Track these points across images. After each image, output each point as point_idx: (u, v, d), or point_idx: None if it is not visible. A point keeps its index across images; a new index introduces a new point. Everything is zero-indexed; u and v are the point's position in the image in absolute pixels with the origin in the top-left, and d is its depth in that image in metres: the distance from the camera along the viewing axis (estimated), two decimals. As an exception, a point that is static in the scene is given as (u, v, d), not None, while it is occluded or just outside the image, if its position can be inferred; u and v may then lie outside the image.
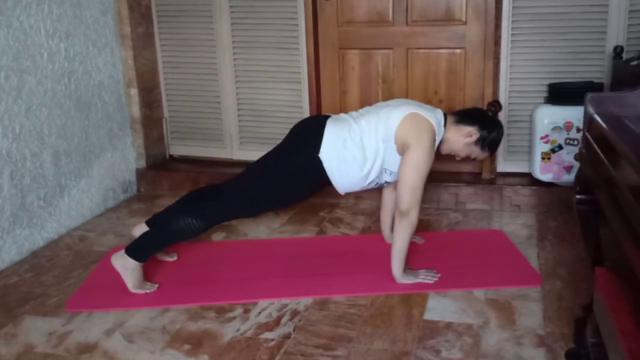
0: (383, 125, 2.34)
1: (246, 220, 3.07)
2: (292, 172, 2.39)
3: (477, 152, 2.48)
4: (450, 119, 2.45)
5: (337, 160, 2.35)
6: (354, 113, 2.49)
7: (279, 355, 1.96)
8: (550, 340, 1.98)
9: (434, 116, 2.36)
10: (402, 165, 2.32)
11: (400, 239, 2.33)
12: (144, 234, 2.49)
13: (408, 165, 2.30)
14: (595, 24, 3.00)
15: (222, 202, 2.42)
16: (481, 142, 2.44)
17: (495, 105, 2.53)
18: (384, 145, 2.34)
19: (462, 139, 2.43)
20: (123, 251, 2.37)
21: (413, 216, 2.30)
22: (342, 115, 2.49)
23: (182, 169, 3.66)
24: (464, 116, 2.46)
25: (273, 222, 3.11)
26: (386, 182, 2.48)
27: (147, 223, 2.61)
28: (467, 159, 2.55)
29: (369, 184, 2.44)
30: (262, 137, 3.53)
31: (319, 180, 2.40)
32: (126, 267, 2.35)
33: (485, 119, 2.46)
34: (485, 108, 2.58)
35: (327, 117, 2.47)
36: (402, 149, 2.33)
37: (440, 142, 2.43)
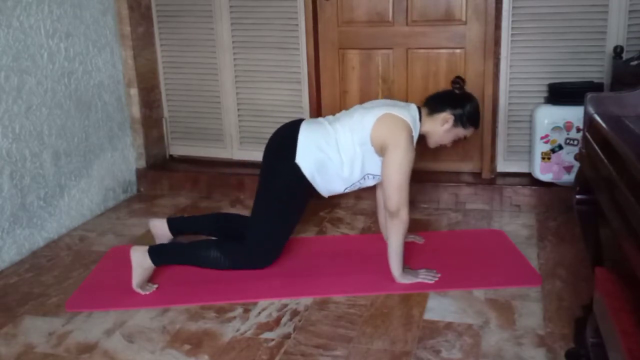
0: (358, 129, 2.36)
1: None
2: (281, 187, 2.41)
3: (461, 132, 2.48)
4: (424, 111, 2.46)
5: (315, 163, 2.37)
6: (329, 117, 2.52)
7: (279, 355, 1.96)
8: (550, 340, 1.98)
9: (408, 113, 2.37)
10: (385, 167, 2.33)
11: (394, 239, 2.33)
12: (175, 245, 2.54)
13: (390, 166, 2.31)
14: (595, 24, 3.00)
15: (250, 251, 2.46)
16: (460, 121, 2.44)
17: (459, 81, 2.50)
18: (362, 149, 2.36)
19: (440, 127, 2.44)
20: (146, 248, 2.38)
21: (403, 215, 2.31)
22: (318, 119, 2.52)
23: (182, 169, 3.66)
24: (433, 105, 2.46)
25: (273, 222, 3.10)
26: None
27: (169, 221, 2.66)
28: (458, 141, 2.55)
29: (352, 186, 2.47)
30: (262, 137, 3.49)
31: (304, 185, 2.41)
32: (141, 264, 2.36)
33: (453, 98, 2.46)
34: (451, 88, 2.53)
35: (301, 121, 2.48)
36: (381, 151, 2.35)
37: (424, 137, 2.44)
